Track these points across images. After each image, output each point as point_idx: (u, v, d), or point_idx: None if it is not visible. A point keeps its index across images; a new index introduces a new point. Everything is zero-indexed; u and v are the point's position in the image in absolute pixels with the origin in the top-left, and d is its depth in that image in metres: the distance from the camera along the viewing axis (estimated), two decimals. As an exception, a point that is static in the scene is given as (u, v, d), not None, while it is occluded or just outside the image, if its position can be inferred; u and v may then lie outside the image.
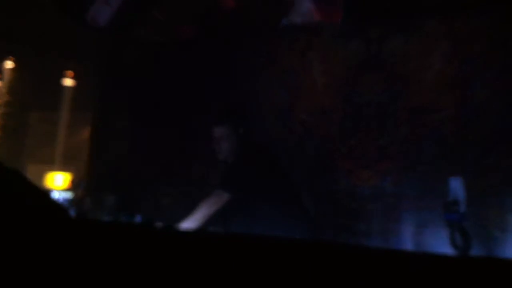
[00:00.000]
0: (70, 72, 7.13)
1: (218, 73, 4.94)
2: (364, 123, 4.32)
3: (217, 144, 3.58)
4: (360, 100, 4.35)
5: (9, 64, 7.24)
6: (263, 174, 3.39)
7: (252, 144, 3.55)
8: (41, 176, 7.47)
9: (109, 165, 5.42)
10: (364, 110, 4.32)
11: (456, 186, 2.55)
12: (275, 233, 2.84)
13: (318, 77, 4.56)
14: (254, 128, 3.72)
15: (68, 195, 4.01)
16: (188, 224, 3.33)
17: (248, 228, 3.26)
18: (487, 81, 3.90)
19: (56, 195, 3.91)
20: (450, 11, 4.12)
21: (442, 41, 4.12)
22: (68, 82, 7.19)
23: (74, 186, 5.29)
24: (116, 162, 5.36)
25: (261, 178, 3.37)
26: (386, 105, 4.24)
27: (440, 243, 3.63)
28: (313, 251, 2.25)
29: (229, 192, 3.35)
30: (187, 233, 2.93)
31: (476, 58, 3.98)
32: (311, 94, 4.58)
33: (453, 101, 4.02)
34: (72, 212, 3.50)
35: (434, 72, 4.11)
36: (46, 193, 3.57)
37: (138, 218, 3.81)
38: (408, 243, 4.03)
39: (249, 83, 4.77)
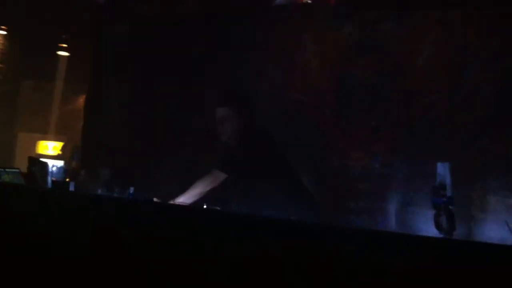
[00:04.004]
0: (64, 42, 7.11)
1: (213, 51, 4.96)
2: (356, 105, 4.38)
3: (220, 125, 3.61)
4: (353, 81, 4.40)
5: (1, 31, 7.21)
6: (262, 156, 3.44)
7: (253, 126, 3.59)
8: (32, 144, 7.49)
9: (103, 136, 5.45)
10: (356, 91, 4.38)
11: (444, 171, 2.62)
12: (273, 213, 2.93)
13: (312, 58, 4.60)
14: (253, 110, 3.76)
15: (61, 164, 4.03)
16: (182, 200, 3.40)
17: (247, 208, 3.32)
18: (479, 66, 3.96)
19: (49, 163, 3.92)
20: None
21: (435, 26, 4.17)
22: (62, 51, 7.18)
23: (68, 156, 5.32)
24: (110, 134, 5.39)
25: (259, 160, 3.42)
26: (379, 87, 4.30)
27: (425, 224, 3.74)
28: (306, 232, 2.34)
29: (227, 173, 3.42)
30: (184, 209, 3.02)
31: (468, 43, 4.04)
32: (305, 75, 4.63)
33: (444, 85, 4.09)
34: (71, 186, 3.55)
35: (426, 56, 4.17)
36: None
37: (131, 191, 3.87)
38: (394, 222, 4.13)
39: (243, 62, 4.79)
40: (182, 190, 3.56)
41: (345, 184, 4.34)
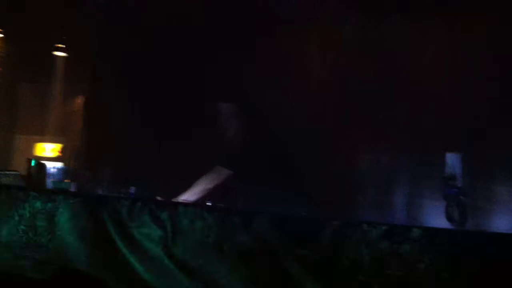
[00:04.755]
0: (61, 43, 7.03)
1: (214, 51, 4.87)
2: (361, 100, 4.32)
3: (224, 121, 3.55)
4: (357, 78, 4.35)
5: (-2, 34, 7.14)
6: (264, 152, 3.39)
7: (257, 122, 3.54)
8: (31, 146, 7.42)
9: (103, 137, 5.39)
10: (361, 88, 4.32)
11: (453, 161, 2.57)
12: (276, 209, 2.87)
13: (318, 57, 4.55)
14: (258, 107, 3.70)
15: (61, 165, 3.99)
16: (186, 197, 3.34)
17: (250, 205, 3.28)
18: (483, 64, 3.91)
19: (49, 165, 3.88)
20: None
21: (439, 25, 4.13)
22: (59, 53, 7.10)
23: (67, 157, 5.26)
24: (110, 135, 5.33)
25: (262, 156, 3.38)
26: (383, 83, 4.25)
27: (432, 216, 3.69)
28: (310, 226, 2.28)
29: (231, 169, 3.37)
30: (188, 206, 2.95)
31: (472, 42, 3.99)
32: (312, 75, 4.56)
33: (449, 82, 4.04)
34: (72, 187, 3.50)
35: (430, 55, 4.12)
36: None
37: (132, 191, 3.82)
38: (401, 216, 4.08)
39: (246, 62, 4.72)
40: (183, 189, 3.51)
41: (351, 178, 4.28)
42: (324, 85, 4.49)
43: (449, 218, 2.52)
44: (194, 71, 4.88)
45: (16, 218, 2.74)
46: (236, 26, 4.81)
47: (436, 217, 3.39)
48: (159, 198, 3.42)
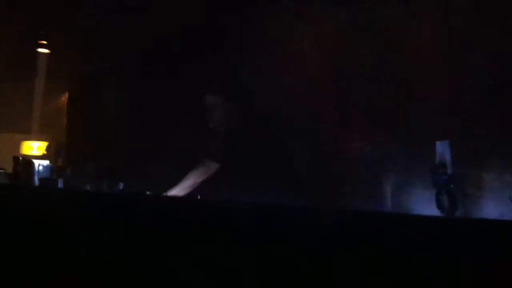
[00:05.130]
0: (43, 39, 6.95)
1: (206, 40, 4.84)
2: (352, 89, 4.31)
3: (210, 112, 3.52)
4: (349, 66, 4.33)
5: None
6: (254, 143, 3.37)
7: (245, 113, 3.52)
8: (16, 145, 7.35)
9: (88, 132, 5.36)
10: (353, 76, 4.31)
11: (443, 149, 2.58)
12: (265, 201, 2.86)
13: (307, 44, 4.53)
14: (247, 97, 3.68)
15: (47, 164, 3.95)
16: (176, 192, 3.32)
17: (239, 197, 3.26)
18: (478, 50, 3.89)
19: (35, 163, 3.84)
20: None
21: (433, 9, 4.10)
22: (42, 48, 7.02)
23: (53, 155, 5.22)
24: (96, 130, 5.30)
25: (251, 147, 3.35)
26: (376, 72, 4.23)
27: (422, 205, 3.70)
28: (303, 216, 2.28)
29: (219, 162, 3.34)
30: (177, 200, 2.94)
31: (467, 27, 3.96)
32: (300, 62, 4.54)
33: (443, 68, 4.02)
34: (60, 183, 3.47)
35: (424, 40, 4.11)
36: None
37: (120, 186, 3.79)
38: (391, 205, 4.09)
39: (238, 51, 4.69)
40: (173, 184, 3.49)
41: (340, 168, 4.28)
42: (312, 73, 4.48)
43: (439, 206, 2.52)
44: (184, 63, 4.86)
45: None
46: (224, 13, 4.78)
47: (424, 206, 3.41)
48: (148, 192, 3.40)
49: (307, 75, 4.51)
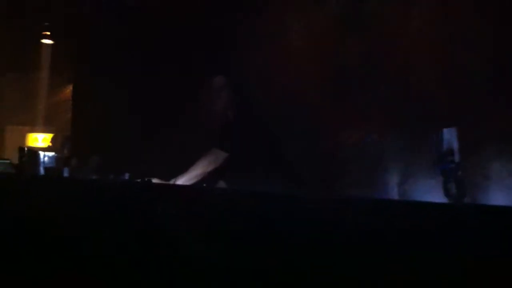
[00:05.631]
0: (47, 30, 6.94)
1: (200, 34, 4.82)
2: (345, 82, 4.27)
3: (211, 96, 3.49)
4: (340, 59, 4.29)
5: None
6: (258, 132, 3.36)
7: (247, 99, 3.50)
8: (22, 137, 7.38)
9: (93, 124, 5.36)
10: (345, 69, 4.27)
11: (450, 136, 2.56)
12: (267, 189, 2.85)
13: (296, 37, 4.49)
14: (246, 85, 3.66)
15: (53, 154, 3.96)
16: (183, 181, 3.32)
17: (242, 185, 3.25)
18: (470, 41, 3.87)
19: (41, 155, 3.85)
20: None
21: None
22: (46, 40, 7.02)
23: (58, 146, 5.23)
24: (100, 121, 5.29)
25: (256, 136, 3.34)
26: (367, 64, 4.19)
27: (423, 195, 3.69)
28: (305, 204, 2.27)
29: (227, 151, 3.32)
30: (186, 189, 2.94)
31: (459, 18, 3.93)
32: (290, 55, 4.50)
33: (435, 60, 3.99)
34: (65, 172, 3.47)
35: (416, 32, 4.07)
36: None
37: (126, 177, 3.79)
38: (391, 196, 4.06)
39: (229, 44, 4.66)
40: (177, 174, 3.48)
41: (339, 158, 4.25)
42: (308, 62, 4.43)
43: (447, 193, 2.51)
44: (185, 54, 4.84)
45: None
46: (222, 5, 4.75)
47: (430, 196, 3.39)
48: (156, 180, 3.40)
49: (298, 69, 4.46)
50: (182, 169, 3.58)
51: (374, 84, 4.17)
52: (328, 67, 4.34)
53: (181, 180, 3.33)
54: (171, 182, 3.35)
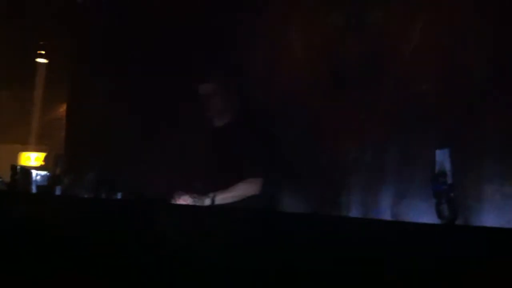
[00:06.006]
0: (42, 49, 6.96)
1: (198, 39, 4.78)
2: (344, 92, 4.25)
3: (205, 102, 3.45)
4: (340, 67, 4.28)
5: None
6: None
7: (246, 103, 3.46)
8: (14, 155, 7.34)
9: (87, 142, 5.35)
10: (344, 78, 4.26)
11: (443, 158, 2.56)
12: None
13: (297, 43, 4.48)
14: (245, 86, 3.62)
15: (45, 173, 3.94)
16: (221, 200, 3.29)
17: None
18: (471, 49, 3.85)
19: (33, 173, 3.83)
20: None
21: (425, 8, 4.05)
22: (40, 59, 7.03)
23: (51, 164, 5.21)
24: (94, 139, 5.28)
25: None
26: (367, 73, 4.17)
27: (418, 215, 3.68)
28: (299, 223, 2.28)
29: (259, 173, 3.30)
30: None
31: (460, 25, 3.91)
32: (291, 61, 4.47)
33: (436, 70, 3.96)
34: (58, 190, 3.46)
35: (416, 40, 4.06)
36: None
37: (119, 196, 3.78)
38: (386, 215, 4.05)
39: (229, 46, 4.63)
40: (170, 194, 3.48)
41: (334, 176, 4.23)
42: (307, 68, 4.40)
43: (440, 215, 2.51)
44: (183, 64, 4.79)
45: None
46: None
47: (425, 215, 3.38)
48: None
49: (298, 76, 4.43)
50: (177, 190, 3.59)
51: (371, 94, 4.17)
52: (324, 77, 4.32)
53: (219, 197, 3.30)
54: (210, 196, 3.33)
